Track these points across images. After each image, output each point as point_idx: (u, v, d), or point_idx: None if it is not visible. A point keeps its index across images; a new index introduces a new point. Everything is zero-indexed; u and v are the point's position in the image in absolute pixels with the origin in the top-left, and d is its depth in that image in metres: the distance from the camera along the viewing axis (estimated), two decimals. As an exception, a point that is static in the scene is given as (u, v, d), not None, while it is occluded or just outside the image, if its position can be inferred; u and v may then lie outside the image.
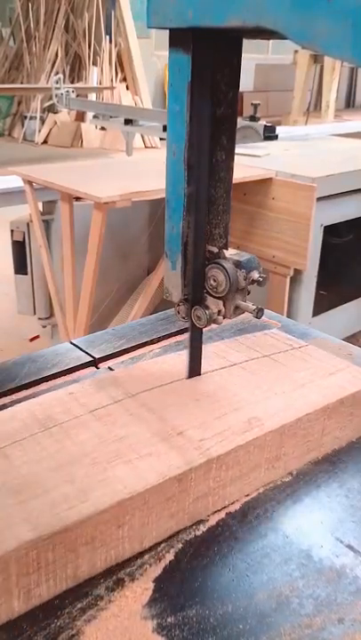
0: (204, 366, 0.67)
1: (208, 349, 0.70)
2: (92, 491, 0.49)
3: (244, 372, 0.68)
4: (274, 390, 0.64)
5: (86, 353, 0.83)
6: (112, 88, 6.90)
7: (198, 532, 0.54)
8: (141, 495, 0.49)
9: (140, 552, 0.52)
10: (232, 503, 0.57)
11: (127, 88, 7.30)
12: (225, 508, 0.57)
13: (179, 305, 0.63)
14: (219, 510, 0.57)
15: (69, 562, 0.47)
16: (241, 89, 0.60)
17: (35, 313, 2.52)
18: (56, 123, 7.32)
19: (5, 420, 0.58)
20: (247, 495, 0.58)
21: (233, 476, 0.56)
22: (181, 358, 0.68)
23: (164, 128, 1.95)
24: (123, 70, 7.38)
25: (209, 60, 0.54)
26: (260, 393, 0.64)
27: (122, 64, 7.37)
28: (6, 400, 0.72)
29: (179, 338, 0.88)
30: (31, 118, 7.45)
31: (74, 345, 0.85)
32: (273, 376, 0.67)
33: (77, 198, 1.97)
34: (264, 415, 0.59)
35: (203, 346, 0.66)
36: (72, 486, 0.49)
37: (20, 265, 2.43)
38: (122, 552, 0.50)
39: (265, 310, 0.76)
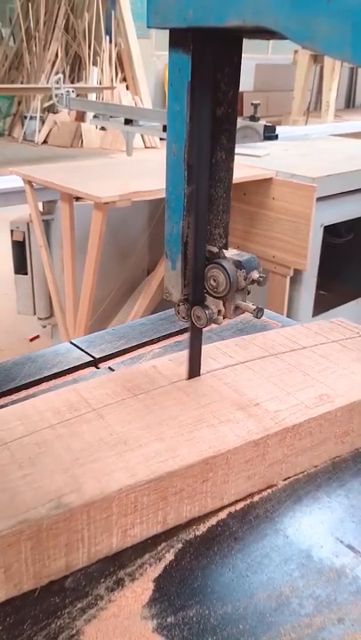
0: (280, 348, 0.74)
1: (281, 333, 0.78)
2: (180, 448, 0.54)
3: (313, 354, 0.73)
4: (343, 371, 0.69)
5: (86, 353, 0.83)
6: (112, 88, 6.90)
7: (198, 532, 0.54)
8: (224, 455, 0.55)
9: (142, 552, 0.52)
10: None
11: (127, 88, 7.30)
12: (227, 507, 0.57)
13: (179, 305, 0.63)
14: (219, 510, 0.57)
15: (160, 508, 0.53)
16: (241, 89, 0.60)
17: (35, 313, 2.52)
18: (56, 123, 7.31)
19: (96, 386, 0.64)
20: (315, 466, 0.63)
21: (304, 447, 0.61)
22: (261, 339, 0.75)
23: (164, 128, 1.95)
24: (123, 70, 7.38)
25: (209, 59, 0.54)
26: (330, 373, 0.68)
27: (122, 64, 7.37)
28: (6, 400, 0.72)
29: (179, 338, 0.88)
30: (31, 118, 7.44)
31: (74, 345, 0.85)
32: (342, 359, 0.72)
33: (77, 198, 1.97)
34: (334, 393, 0.64)
35: (282, 329, 0.76)
36: (162, 444, 0.55)
37: (20, 265, 2.43)
38: (204, 506, 0.56)
39: (265, 310, 0.76)
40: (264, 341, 0.75)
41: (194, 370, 0.66)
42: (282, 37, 0.42)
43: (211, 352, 0.71)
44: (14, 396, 0.73)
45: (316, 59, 6.61)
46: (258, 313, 0.60)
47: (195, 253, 0.60)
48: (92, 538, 0.49)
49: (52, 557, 0.48)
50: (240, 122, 2.61)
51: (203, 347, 0.67)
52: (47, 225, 2.32)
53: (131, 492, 0.50)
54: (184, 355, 0.67)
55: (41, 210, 2.26)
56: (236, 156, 0.61)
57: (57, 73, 6.95)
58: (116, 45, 7.28)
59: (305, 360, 0.71)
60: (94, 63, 7.28)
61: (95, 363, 0.81)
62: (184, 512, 0.55)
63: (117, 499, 0.49)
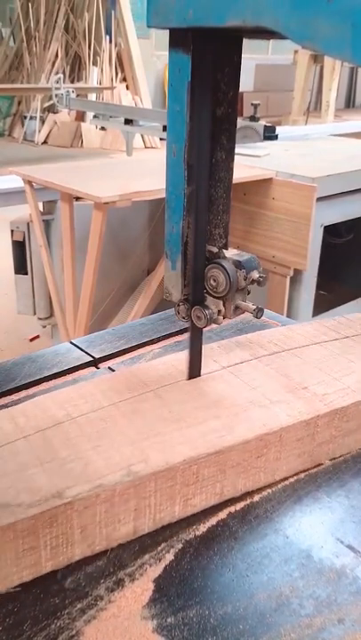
0: (323, 337, 0.77)
1: (324, 324, 0.81)
2: (236, 425, 0.58)
3: (356, 343, 0.76)
4: None
5: (86, 353, 0.83)
6: (112, 88, 6.90)
7: (198, 532, 0.54)
8: (277, 433, 0.58)
9: (141, 552, 0.52)
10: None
11: (127, 88, 7.30)
12: (226, 507, 0.57)
13: (179, 305, 0.63)
14: (219, 510, 0.57)
15: (218, 481, 0.56)
16: (241, 89, 0.60)
17: (35, 313, 2.52)
18: (56, 123, 7.32)
19: (150, 368, 0.68)
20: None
21: (351, 429, 0.64)
22: (305, 329, 0.79)
23: (164, 128, 1.95)
24: (123, 70, 7.38)
25: (209, 59, 0.54)
26: None
27: (122, 64, 7.37)
28: (6, 400, 0.72)
29: (179, 338, 0.88)
30: (31, 118, 7.45)
31: (74, 345, 0.85)
32: None
33: (77, 198, 1.97)
34: None
35: (323, 320, 0.79)
36: (218, 421, 0.58)
37: (20, 265, 2.43)
38: (257, 480, 0.59)
39: (265, 310, 0.76)
40: (307, 330, 0.79)
41: (194, 370, 0.66)
42: (282, 37, 0.42)
43: (257, 340, 0.75)
44: (14, 396, 0.73)
45: (316, 59, 6.61)
46: (258, 313, 0.60)
47: (195, 253, 0.60)
48: (157, 505, 0.53)
49: (122, 521, 0.52)
50: (240, 122, 2.60)
51: (248, 336, 0.73)
52: (47, 225, 2.32)
53: (193, 463, 0.54)
54: (232, 341, 0.72)
55: (41, 210, 2.26)
56: (236, 156, 0.61)
57: (57, 73, 6.95)
58: (116, 45, 7.28)
59: (348, 348, 0.74)
60: (94, 63, 7.28)
61: (95, 363, 0.81)
62: (239, 485, 0.58)
63: (181, 469, 0.53)
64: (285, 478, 0.61)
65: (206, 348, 0.69)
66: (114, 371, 0.78)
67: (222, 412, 0.60)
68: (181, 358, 0.68)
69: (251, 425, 0.58)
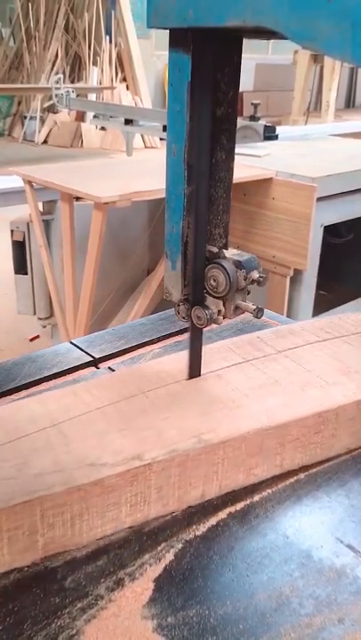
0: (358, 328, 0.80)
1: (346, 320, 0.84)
2: (294, 403, 0.62)
3: None
4: None
5: (86, 353, 0.83)
6: (112, 88, 6.90)
7: (198, 532, 0.54)
8: (334, 411, 0.62)
9: (141, 552, 0.52)
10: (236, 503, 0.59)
11: (127, 88, 7.29)
12: (226, 507, 0.57)
13: (179, 305, 0.63)
14: (219, 510, 0.57)
15: (278, 453, 0.60)
16: (241, 89, 0.60)
17: (35, 313, 2.52)
18: (56, 123, 7.31)
19: (210, 351, 0.71)
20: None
21: None
22: (356, 317, 0.82)
23: (164, 128, 1.95)
24: (123, 70, 7.37)
25: (209, 59, 0.54)
26: None
27: (122, 64, 7.36)
28: (7, 400, 0.72)
29: (179, 338, 0.88)
30: (31, 118, 7.44)
31: (74, 345, 0.85)
32: None
33: (77, 198, 1.97)
34: None
35: (354, 314, 0.82)
36: (277, 399, 0.63)
37: (20, 265, 2.43)
38: (314, 456, 0.63)
39: (265, 310, 0.76)
40: (359, 319, 0.82)
41: (194, 370, 0.66)
42: (282, 37, 0.42)
43: (309, 328, 0.79)
44: (14, 396, 0.73)
45: (316, 59, 6.60)
46: (258, 313, 0.60)
47: (195, 253, 0.60)
48: (224, 472, 0.58)
49: (192, 485, 0.56)
50: (240, 122, 2.60)
51: (300, 324, 0.78)
52: (47, 225, 2.32)
53: (258, 435, 0.58)
54: (285, 329, 0.77)
55: (41, 210, 2.26)
56: (236, 156, 0.61)
57: (57, 73, 6.95)
58: (116, 45, 7.28)
59: None
60: (94, 63, 7.27)
61: (95, 363, 0.81)
62: (297, 459, 0.62)
63: (247, 440, 0.58)
64: (285, 478, 0.61)
65: (259, 334, 0.76)
66: (114, 371, 0.78)
67: (281, 391, 0.64)
68: (245, 339, 0.75)
69: (309, 403, 0.62)
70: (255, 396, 0.63)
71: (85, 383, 0.66)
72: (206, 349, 0.69)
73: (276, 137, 2.62)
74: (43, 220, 2.24)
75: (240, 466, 0.59)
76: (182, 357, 0.67)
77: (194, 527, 0.55)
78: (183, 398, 0.62)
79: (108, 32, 7.22)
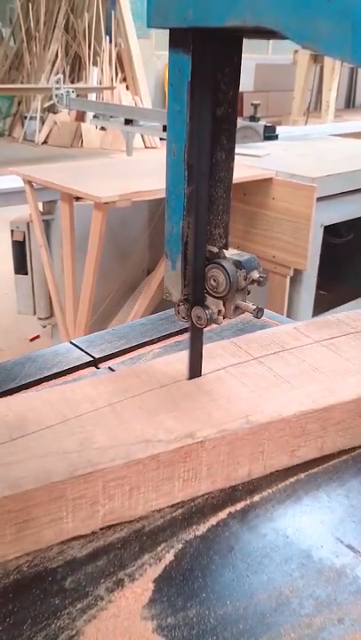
0: None
1: None
2: (336, 388, 0.65)
3: None
4: None
5: (86, 353, 0.83)
6: (112, 88, 6.89)
7: (198, 532, 0.54)
8: None
9: (141, 553, 0.52)
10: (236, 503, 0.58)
11: (127, 88, 7.29)
12: (226, 507, 0.57)
13: (179, 305, 0.63)
14: (219, 510, 0.57)
15: (320, 436, 0.63)
16: (241, 89, 0.60)
17: (35, 313, 2.52)
18: (56, 123, 7.31)
19: (248, 341, 0.75)
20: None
21: None
22: None
23: (164, 128, 1.95)
24: (123, 70, 7.37)
25: (209, 59, 0.54)
26: None
27: (122, 64, 7.36)
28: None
29: (179, 338, 0.88)
30: (31, 118, 7.44)
31: (74, 345, 0.85)
32: None
33: (77, 198, 1.97)
34: None
35: None
36: (319, 384, 0.65)
37: (20, 265, 2.43)
38: (354, 438, 0.66)
39: (265, 310, 0.76)
40: None
41: (194, 370, 0.66)
42: (282, 37, 0.42)
43: (344, 320, 0.82)
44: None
45: (317, 59, 6.60)
46: (258, 313, 0.60)
47: (195, 253, 0.60)
48: (269, 452, 0.61)
49: (240, 464, 0.59)
50: (240, 122, 2.60)
51: (336, 316, 0.80)
52: (47, 225, 2.32)
53: (302, 417, 0.61)
54: (321, 320, 0.80)
55: (41, 210, 2.26)
56: (236, 156, 0.61)
57: (57, 73, 6.94)
58: (116, 45, 7.28)
59: None
60: (94, 63, 7.27)
61: (95, 363, 0.81)
62: (338, 442, 0.65)
63: (291, 421, 0.60)
64: (285, 478, 0.61)
65: (296, 326, 0.79)
66: (114, 371, 0.78)
67: (322, 378, 0.67)
68: (282, 330, 0.78)
69: (348, 389, 0.65)
70: (297, 381, 0.66)
71: (135, 367, 0.69)
72: (244, 339, 0.75)
73: (276, 137, 2.62)
74: (43, 220, 2.24)
75: (284, 447, 0.61)
76: (227, 345, 0.73)
77: (194, 527, 0.55)
78: (229, 382, 0.65)
79: (108, 32, 7.22)
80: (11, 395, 0.73)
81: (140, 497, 0.55)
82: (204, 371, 0.67)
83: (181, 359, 0.68)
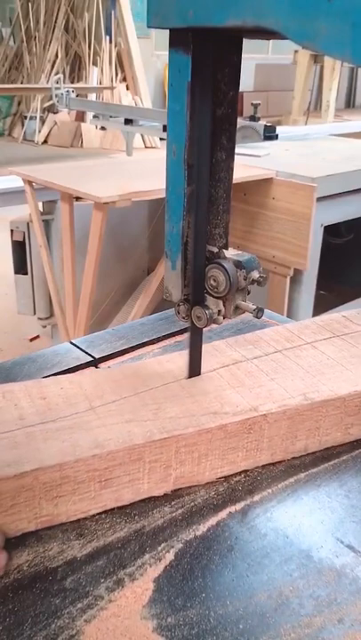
0: None
1: None
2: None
3: None
4: None
5: (86, 353, 0.83)
6: (112, 88, 6.90)
7: (198, 532, 0.54)
8: None
9: (142, 552, 0.52)
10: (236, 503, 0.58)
11: (127, 88, 7.30)
12: (226, 507, 0.57)
13: (179, 305, 0.63)
14: (219, 510, 0.57)
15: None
16: (241, 89, 0.60)
17: (35, 313, 2.52)
18: (56, 123, 7.32)
19: (300, 327, 0.79)
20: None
21: None
22: None
23: (164, 128, 1.95)
24: (123, 70, 7.38)
25: (209, 59, 0.54)
26: None
27: (122, 64, 7.37)
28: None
29: (179, 338, 0.88)
30: (31, 118, 7.45)
31: (74, 345, 0.85)
32: None
33: (77, 198, 1.97)
34: None
35: None
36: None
37: (20, 265, 2.43)
38: None
39: (265, 310, 0.76)
40: None
41: (194, 370, 0.66)
42: (282, 37, 0.42)
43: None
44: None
45: (317, 59, 6.61)
46: (258, 313, 0.60)
47: (195, 253, 0.60)
48: (324, 429, 0.65)
49: (297, 437, 0.64)
50: (240, 122, 2.60)
51: (350, 312, 0.82)
52: (47, 225, 2.32)
53: (357, 397, 0.65)
54: (331, 318, 0.82)
55: (41, 210, 2.26)
56: (236, 156, 0.61)
57: (57, 73, 6.95)
58: (116, 45, 7.28)
59: None
60: (94, 63, 7.28)
61: (95, 363, 0.81)
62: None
63: (347, 400, 0.64)
64: (285, 478, 0.61)
65: (345, 314, 0.83)
66: (114, 371, 0.78)
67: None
68: (324, 319, 0.81)
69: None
70: (350, 364, 0.70)
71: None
72: (296, 326, 0.81)
73: (276, 137, 2.62)
74: (43, 220, 2.24)
75: (339, 424, 0.65)
76: (281, 330, 0.78)
77: (194, 527, 0.55)
78: (284, 364, 0.70)
79: (108, 32, 7.22)
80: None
81: (208, 464, 0.60)
82: (256, 353, 0.72)
83: (236, 343, 0.75)
